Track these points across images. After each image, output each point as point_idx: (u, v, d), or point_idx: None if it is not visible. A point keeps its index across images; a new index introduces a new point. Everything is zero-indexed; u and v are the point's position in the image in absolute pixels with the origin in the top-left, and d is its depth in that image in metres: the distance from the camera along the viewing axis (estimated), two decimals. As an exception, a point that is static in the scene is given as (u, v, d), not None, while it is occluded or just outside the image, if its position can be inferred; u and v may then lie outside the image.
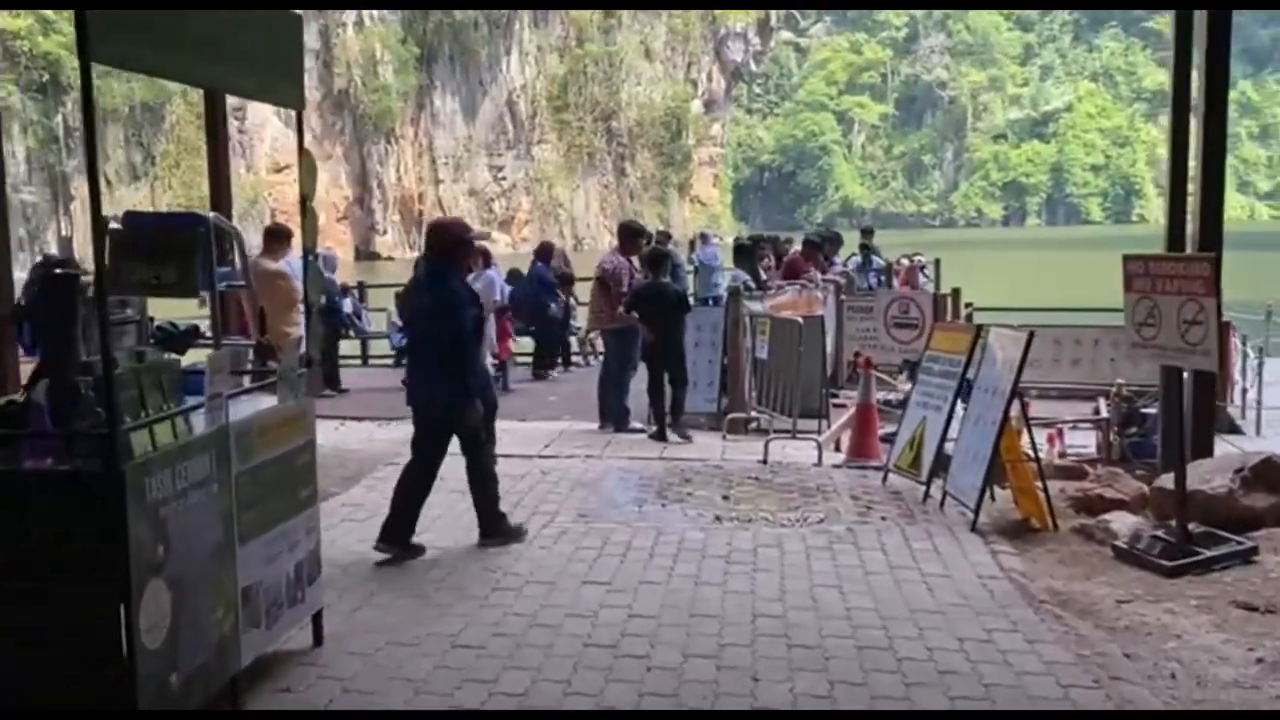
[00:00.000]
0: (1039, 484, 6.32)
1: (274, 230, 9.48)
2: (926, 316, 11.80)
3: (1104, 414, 8.81)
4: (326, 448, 8.03)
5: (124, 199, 54.50)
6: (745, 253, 12.77)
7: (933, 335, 7.62)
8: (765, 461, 7.87)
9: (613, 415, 9.22)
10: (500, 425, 6.85)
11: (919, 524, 6.30)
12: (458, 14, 66.65)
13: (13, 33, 49.47)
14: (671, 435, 8.72)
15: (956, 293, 13.02)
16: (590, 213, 76.95)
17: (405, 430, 8.60)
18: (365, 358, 16.14)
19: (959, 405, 6.95)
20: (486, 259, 11.72)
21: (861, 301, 12.77)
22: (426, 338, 5.78)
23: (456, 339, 5.60)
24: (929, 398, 7.16)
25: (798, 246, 14.92)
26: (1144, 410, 8.52)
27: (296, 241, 7.31)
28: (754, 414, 9.44)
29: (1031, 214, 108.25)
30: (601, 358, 10.10)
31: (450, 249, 5.83)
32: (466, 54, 69.42)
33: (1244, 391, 10.59)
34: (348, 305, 15.78)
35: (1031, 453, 6.65)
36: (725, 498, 6.88)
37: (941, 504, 6.60)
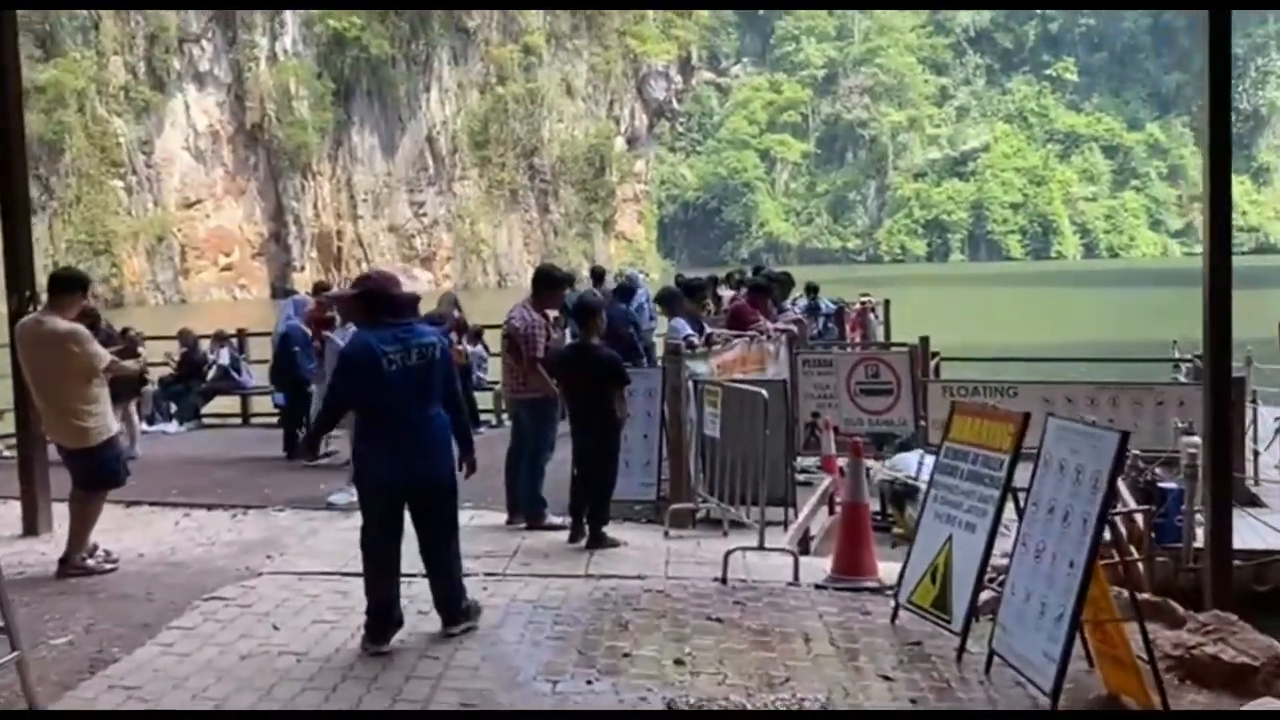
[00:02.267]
0: (1140, 653, 4.18)
1: (63, 278, 6.58)
2: (902, 380, 10.43)
3: (1128, 499, 7.18)
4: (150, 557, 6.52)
5: (21, 235, 51.88)
6: (683, 297, 9.99)
7: (953, 421, 5.51)
8: (724, 580, 5.97)
9: (524, 507, 7.46)
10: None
11: (964, 703, 4.37)
12: (374, 49, 65.40)
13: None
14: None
15: (925, 343, 11.73)
16: (514, 249, 75.86)
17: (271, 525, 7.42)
18: (246, 417, 14.59)
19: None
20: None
21: (818, 354, 11.32)
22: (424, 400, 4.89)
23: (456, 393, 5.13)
24: (953, 509, 5.21)
25: (725, 291, 13.47)
26: (1162, 485, 7.36)
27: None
28: (701, 503, 7.61)
29: (955, 250, 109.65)
30: (511, 430, 8.01)
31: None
32: (385, 90, 68.15)
33: (1255, 454, 9.17)
34: (224, 356, 14.44)
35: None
36: (679, 661, 4.76)
37: (987, 667, 4.61)
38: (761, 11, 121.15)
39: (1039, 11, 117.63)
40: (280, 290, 60.53)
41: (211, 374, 14.30)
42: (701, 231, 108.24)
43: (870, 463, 8.17)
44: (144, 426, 13.39)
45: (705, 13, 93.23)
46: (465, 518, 6.03)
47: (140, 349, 14.06)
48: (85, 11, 54.80)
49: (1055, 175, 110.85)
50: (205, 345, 14.75)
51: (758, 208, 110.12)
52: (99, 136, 55.07)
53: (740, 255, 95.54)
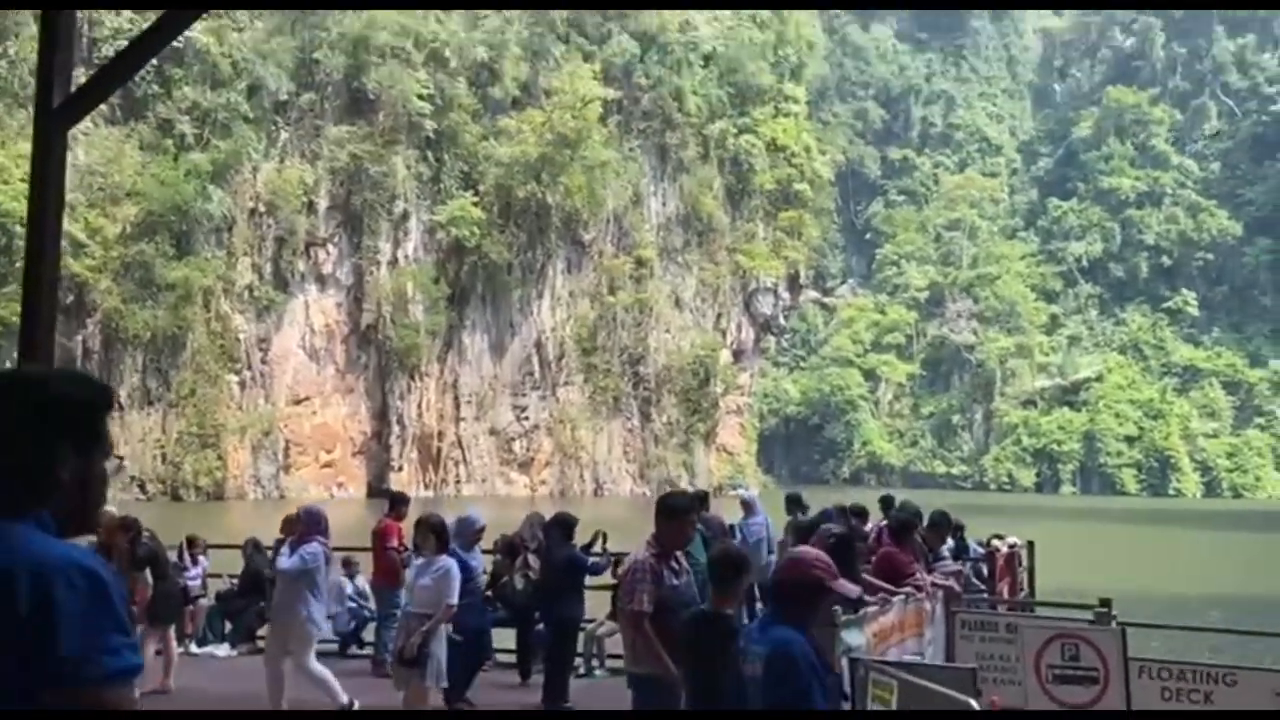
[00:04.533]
0: None
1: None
2: (1111, 668, 7.89)
3: None
4: None
5: (134, 424, 52.89)
6: (841, 549, 6.95)
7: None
8: None
9: None
10: None
11: None
12: (493, 255, 67.05)
13: (48, 253, 49.22)
14: None
15: (1107, 606, 8.56)
16: (613, 456, 74.96)
17: None
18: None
19: None
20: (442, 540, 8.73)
21: (982, 613, 9.21)
22: None
23: None
24: None
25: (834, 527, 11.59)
26: None
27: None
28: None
29: (1065, 481, 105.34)
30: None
31: None
32: (499, 295, 69.48)
33: None
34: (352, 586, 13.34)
35: None
36: None
37: None
38: (867, 235, 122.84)
39: (1153, 243, 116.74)
40: (377, 489, 60.21)
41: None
42: (802, 448, 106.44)
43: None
44: (192, 648, 12.23)
45: (814, 234, 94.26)
46: None
47: (195, 560, 13.08)
48: (221, 213, 57.38)
49: (1173, 409, 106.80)
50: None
51: (860, 427, 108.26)
52: (220, 333, 56.62)
53: (842, 474, 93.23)
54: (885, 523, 9.90)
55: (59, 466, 1.99)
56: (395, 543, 11.93)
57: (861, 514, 12.35)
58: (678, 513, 6.25)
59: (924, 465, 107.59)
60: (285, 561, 9.11)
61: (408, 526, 10.92)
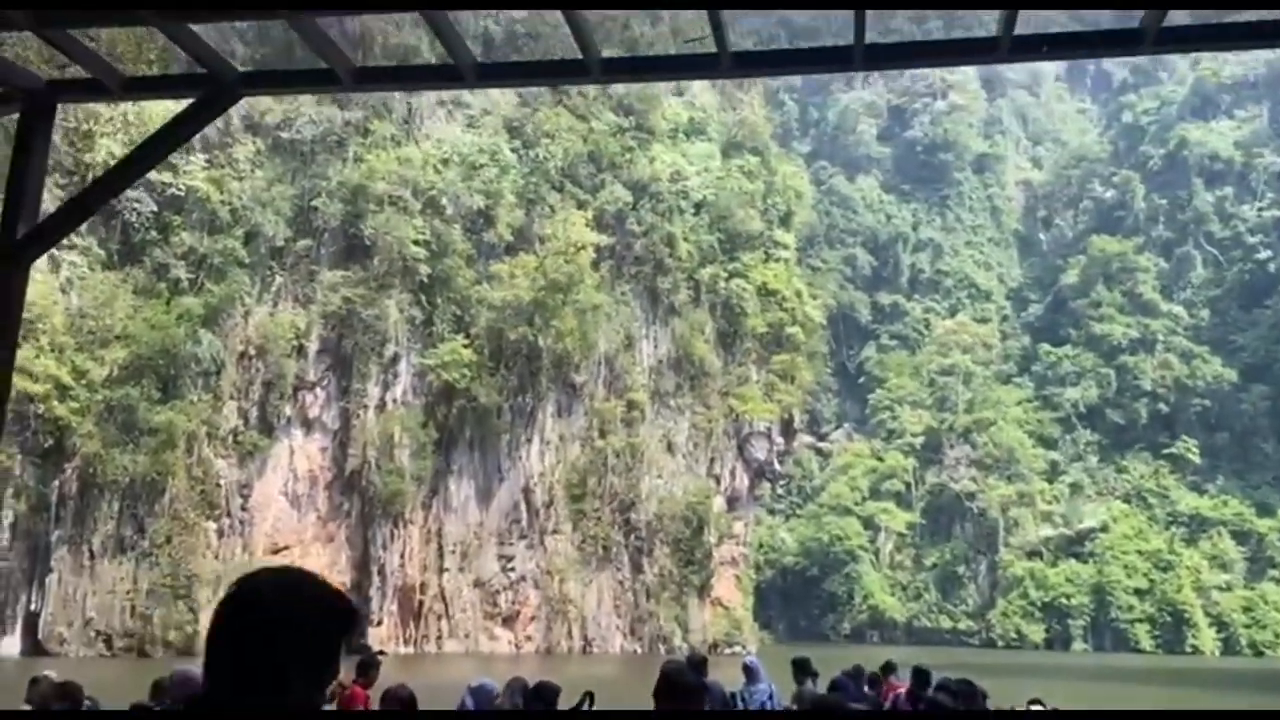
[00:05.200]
0: None
1: None
2: None
3: None
4: None
5: (104, 574, 50.79)
6: None
7: None
8: None
9: None
10: None
11: None
12: (482, 398, 66.09)
13: (28, 395, 48.20)
14: None
15: None
16: (603, 610, 72.35)
17: None
18: None
19: None
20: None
21: None
22: None
23: None
24: None
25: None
26: None
27: None
28: None
29: (1076, 638, 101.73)
30: None
31: None
32: (487, 439, 68.23)
33: None
34: None
35: None
36: None
37: None
38: (860, 380, 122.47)
39: (1149, 389, 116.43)
40: (358, 646, 57.54)
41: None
42: (801, 602, 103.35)
43: None
44: None
45: (808, 377, 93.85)
46: None
47: None
48: (210, 356, 56.60)
49: (1182, 561, 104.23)
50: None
51: (861, 579, 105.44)
52: (200, 479, 55.10)
53: (843, 630, 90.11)
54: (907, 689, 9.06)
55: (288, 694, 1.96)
56: (362, 708, 10.70)
57: (889, 670, 11.14)
58: (691, 694, 4.93)
59: (929, 620, 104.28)
60: None
61: (375, 693, 9.96)
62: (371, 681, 10.89)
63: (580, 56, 6.07)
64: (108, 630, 49.83)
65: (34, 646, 48.06)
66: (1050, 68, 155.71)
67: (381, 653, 12.01)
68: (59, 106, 6.41)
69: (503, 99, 75.99)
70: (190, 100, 6.27)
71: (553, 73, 9.07)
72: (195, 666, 7.88)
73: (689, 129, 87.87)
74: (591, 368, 74.73)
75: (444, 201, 67.84)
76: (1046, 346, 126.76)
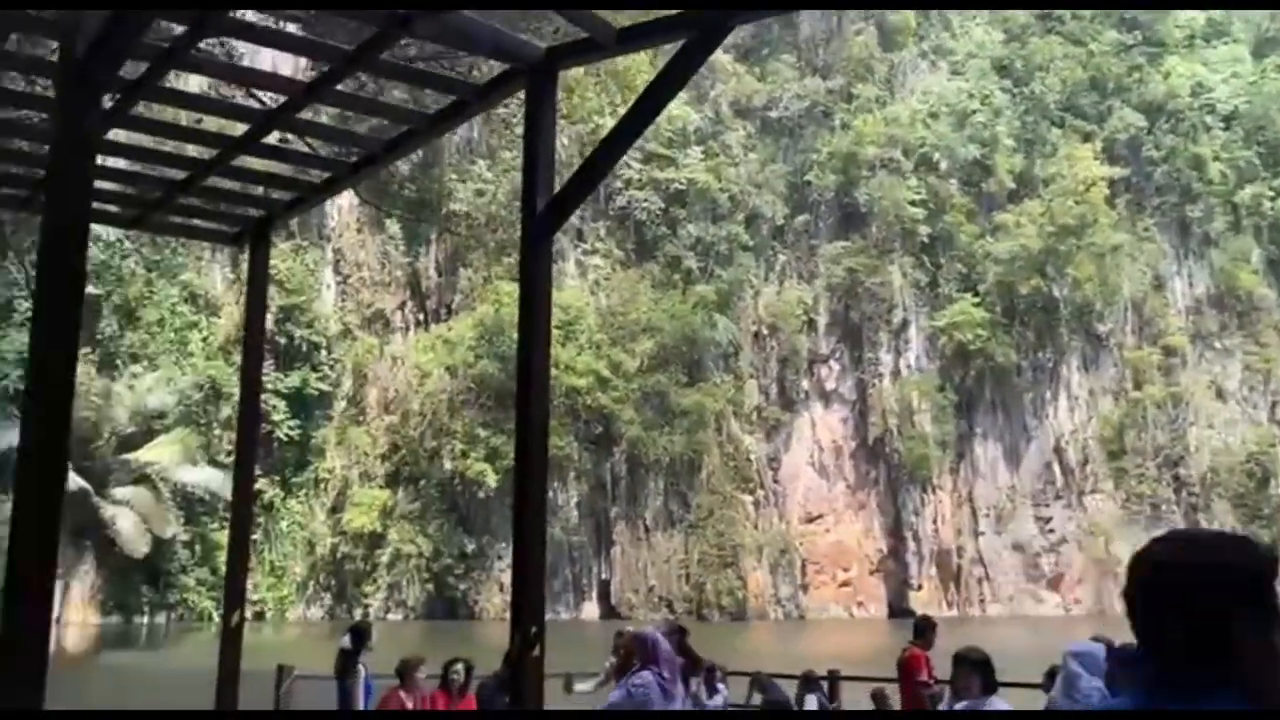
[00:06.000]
0: None
1: None
2: None
3: None
4: None
5: (658, 545, 55.24)
6: None
7: None
8: None
9: None
10: None
11: None
12: (999, 357, 63.34)
13: (575, 389, 53.67)
14: None
15: None
16: (1157, 574, 66.18)
17: None
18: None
19: None
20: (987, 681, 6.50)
21: None
22: None
23: None
24: None
25: None
26: None
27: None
28: None
29: None
30: None
31: None
32: (1009, 400, 65.27)
33: None
34: (812, 703, 11.70)
35: None
36: None
37: None
38: None
39: None
40: (897, 609, 57.58)
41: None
42: None
43: None
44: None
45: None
46: None
47: (715, 690, 11.76)
48: (728, 339, 59.58)
49: None
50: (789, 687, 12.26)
51: None
52: (732, 455, 58.11)
53: None
54: None
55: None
56: (925, 675, 10.28)
57: None
58: None
59: None
60: (613, 694, 7.39)
61: (936, 655, 9.77)
62: (929, 644, 10.48)
63: None
64: (668, 596, 54.14)
65: (608, 610, 53.42)
66: None
67: (926, 617, 11.40)
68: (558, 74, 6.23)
69: (987, 37, 72.29)
70: (679, 42, 5.79)
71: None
72: (649, 629, 7.33)
73: (1208, 33, 77.74)
74: (1117, 314, 68.87)
75: (937, 156, 65.90)
76: None
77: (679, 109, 61.10)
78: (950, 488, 61.82)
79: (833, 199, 64.15)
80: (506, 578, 43.61)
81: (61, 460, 4.64)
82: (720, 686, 11.76)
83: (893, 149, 64.41)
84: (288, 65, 33.99)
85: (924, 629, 10.63)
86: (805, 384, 61.91)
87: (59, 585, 46.29)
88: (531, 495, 5.65)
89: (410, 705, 8.79)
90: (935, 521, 60.78)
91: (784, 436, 60.90)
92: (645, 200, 59.95)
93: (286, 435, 54.11)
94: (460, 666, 9.50)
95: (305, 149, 9.32)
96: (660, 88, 6.03)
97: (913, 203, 63.16)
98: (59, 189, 4.92)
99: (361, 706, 8.86)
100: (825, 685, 12.83)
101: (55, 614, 44.84)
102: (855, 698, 12.80)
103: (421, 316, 59.43)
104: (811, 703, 11.75)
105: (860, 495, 60.66)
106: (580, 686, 9.94)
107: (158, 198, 8.79)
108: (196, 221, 10.37)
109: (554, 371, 48.41)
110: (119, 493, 46.48)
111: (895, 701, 11.03)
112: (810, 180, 63.65)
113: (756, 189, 62.66)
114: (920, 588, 58.98)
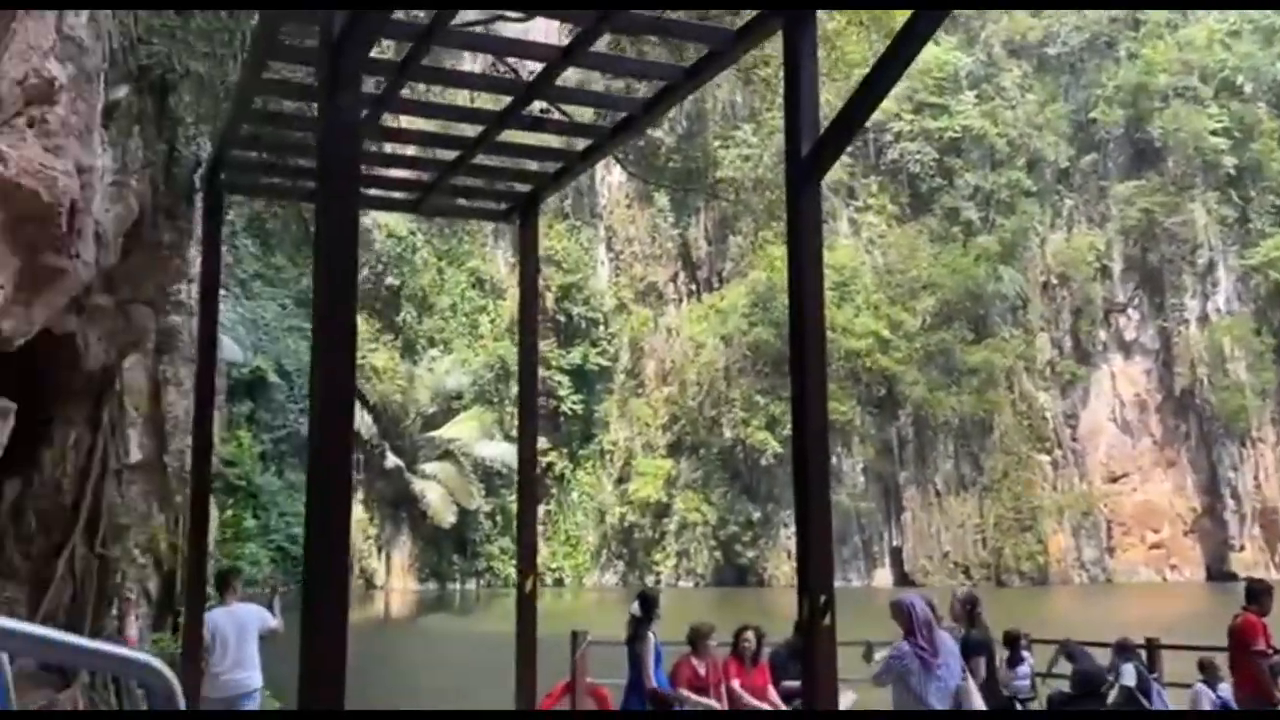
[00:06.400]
0: None
1: None
2: None
3: None
4: None
5: (951, 509, 53.44)
6: None
7: None
8: None
9: None
10: None
11: None
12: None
13: (854, 352, 52.50)
14: None
15: None
16: None
17: None
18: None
19: None
20: None
21: None
22: None
23: None
24: None
25: None
26: None
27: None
28: None
29: None
30: None
31: None
32: (1337, 341, 58.72)
33: None
34: (1129, 675, 10.69)
35: None
36: None
37: None
38: None
39: None
40: (1217, 572, 53.28)
41: (1113, 695, 10.74)
42: None
43: None
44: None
45: None
46: None
47: (1020, 659, 11.10)
48: (1014, 292, 56.66)
49: None
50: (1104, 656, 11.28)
51: None
52: (1025, 412, 55.38)
53: None
54: None
55: None
56: (1263, 644, 9.34)
57: None
58: None
59: None
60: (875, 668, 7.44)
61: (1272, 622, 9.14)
62: (1265, 610, 9.53)
63: None
64: (964, 562, 52.32)
65: (901, 577, 52.22)
66: None
67: (1260, 580, 10.16)
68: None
69: (1297, -57, 64.81)
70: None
71: None
72: (909, 596, 6.75)
73: None
74: None
75: (1240, 80, 59.88)
76: None
77: (948, 54, 58.40)
78: (1273, 440, 56.41)
79: (1122, 136, 59.64)
80: (793, 545, 43.01)
81: (347, 444, 4.72)
82: (1025, 654, 11.34)
83: (1188, 75, 59.10)
84: (539, 33, 34.72)
85: (1259, 593, 9.67)
86: (1102, 335, 58.10)
87: (382, 556, 49.89)
88: (812, 461, 5.46)
89: (702, 672, 9.02)
90: (1257, 477, 55.67)
91: (1081, 392, 57.45)
92: (918, 152, 57.79)
93: (571, 409, 55.97)
94: (750, 634, 9.56)
95: (564, 119, 9.40)
96: (913, 29, 5.53)
97: (1214, 132, 57.81)
98: (327, 174, 5.00)
99: (651, 672, 9.05)
100: (1144, 654, 11.79)
101: (381, 581, 48.39)
102: (1177, 668, 11.66)
103: (694, 287, 59.80)
104: (1128, 673, 10.79)
105: (1169, 451, 56.38)
106: (882, 655, 9.52)
107: (432, 180, 9.20)
108: (469, 201, 10.80)
109: (831, 335, 47.56)
110: (427, 468, 49.48)
111: (1225, 671, 9.95)
112: (1096, 118, 59.41)
113: (1037, 131, 59.14)
114: (1243, 549, 54.28)
